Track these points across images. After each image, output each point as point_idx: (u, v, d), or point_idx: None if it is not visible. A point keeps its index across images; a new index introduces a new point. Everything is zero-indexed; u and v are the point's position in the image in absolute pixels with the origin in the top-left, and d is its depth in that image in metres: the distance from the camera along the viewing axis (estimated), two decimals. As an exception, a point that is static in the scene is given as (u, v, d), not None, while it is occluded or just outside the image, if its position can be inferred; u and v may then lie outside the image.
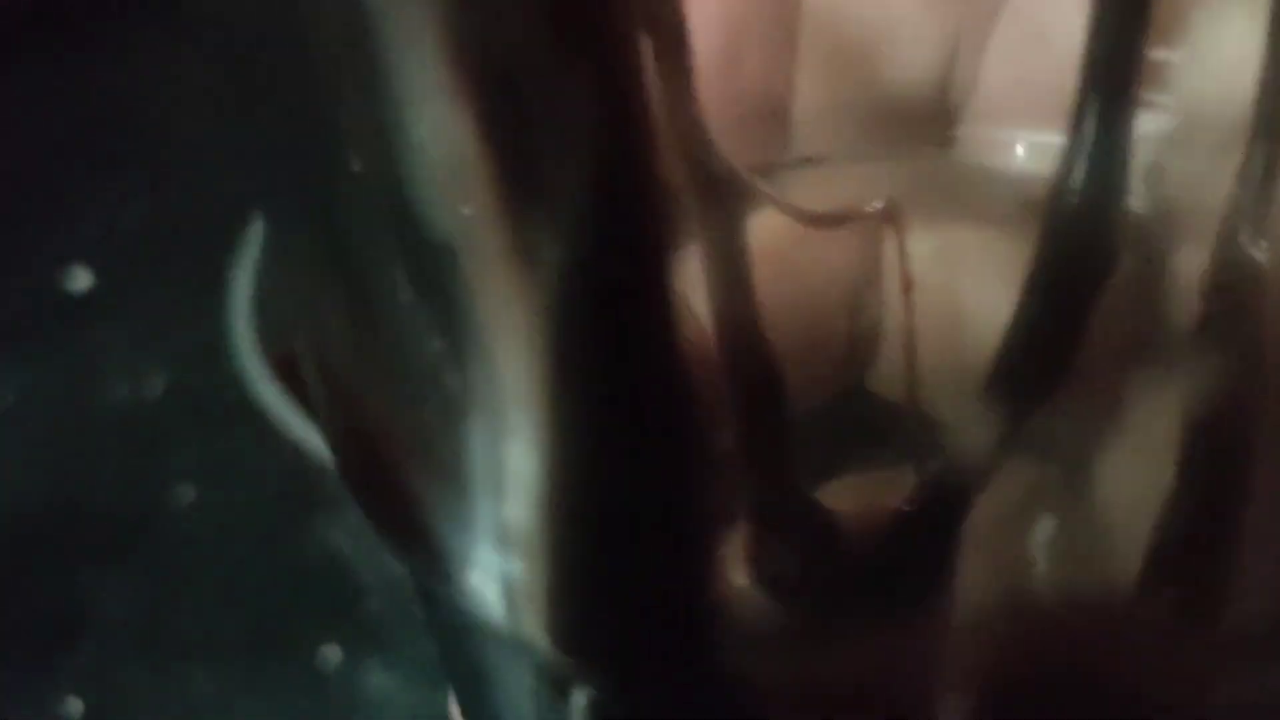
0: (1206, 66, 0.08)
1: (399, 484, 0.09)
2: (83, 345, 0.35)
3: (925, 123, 0.09)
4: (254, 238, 0.25)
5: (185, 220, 0.38)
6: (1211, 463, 0.09)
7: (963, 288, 0.09)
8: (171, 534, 0.31)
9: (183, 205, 0.39)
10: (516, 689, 0.10)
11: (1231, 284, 0.08)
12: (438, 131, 0.08)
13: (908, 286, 0.09)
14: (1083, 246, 0.08)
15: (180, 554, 0.31)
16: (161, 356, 0.35)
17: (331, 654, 0.30)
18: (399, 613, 0.30)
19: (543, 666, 0.10)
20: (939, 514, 0.09)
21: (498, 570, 0.09)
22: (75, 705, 0.29)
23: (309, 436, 0.25)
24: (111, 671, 0.29)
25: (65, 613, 0.30)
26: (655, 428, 0.09)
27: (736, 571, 0.09)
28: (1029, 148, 0.09)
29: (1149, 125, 0.08)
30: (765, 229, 0.08)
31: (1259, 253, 0.08)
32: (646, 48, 0.07)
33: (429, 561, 0.09)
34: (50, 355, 0.35)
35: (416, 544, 0.09)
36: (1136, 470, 0.09)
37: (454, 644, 0.11)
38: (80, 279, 0.37)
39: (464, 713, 0.11)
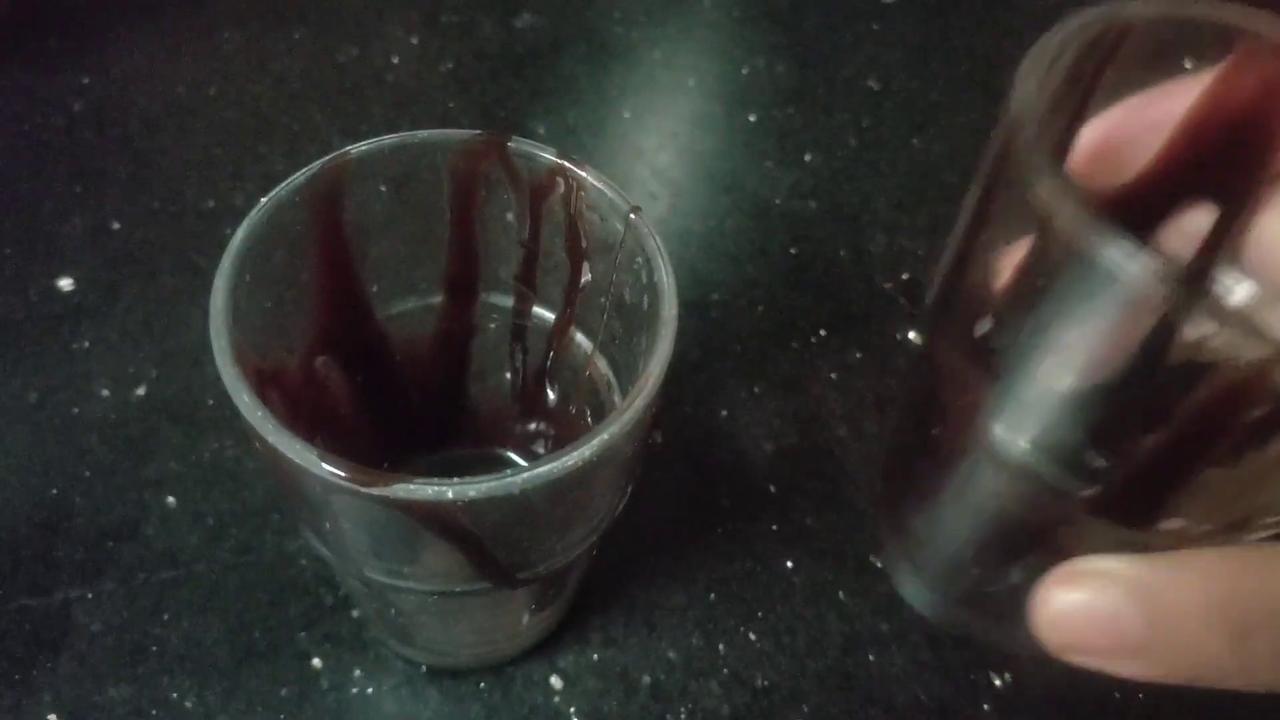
0: None
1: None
2: (65, 354, 0.35)
3: None
4: (234, 247, 0.25)
5: (166, 229, 0.38)
6: None
7: None
8: (153, 543, 0.31)
9: (164, 214, 0.39)
10: None
11: None
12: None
13: None
14: None
15: (162, 563, 0.31)
16: (143, 365, 0.35)
17: (314, 663, 0.30)
18: (382, 621, 0.30)
19: None
20: None
21: None
22: None
23: (287, 445, 0.25)
24: (91, 684, 0.29)
25: (45, 623, 0.29)
26: None
27: None
28: None
29: None
30: None
31: None
32: None
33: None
34: (32, 363, 0.34)
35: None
36: None
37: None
38: (63, 287, 0.36)
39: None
